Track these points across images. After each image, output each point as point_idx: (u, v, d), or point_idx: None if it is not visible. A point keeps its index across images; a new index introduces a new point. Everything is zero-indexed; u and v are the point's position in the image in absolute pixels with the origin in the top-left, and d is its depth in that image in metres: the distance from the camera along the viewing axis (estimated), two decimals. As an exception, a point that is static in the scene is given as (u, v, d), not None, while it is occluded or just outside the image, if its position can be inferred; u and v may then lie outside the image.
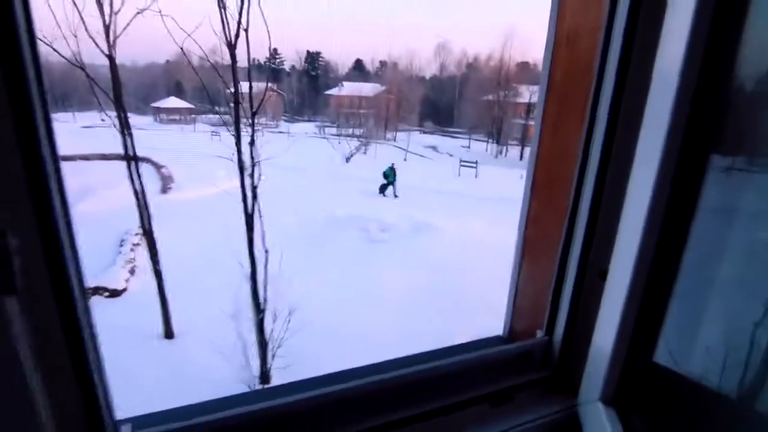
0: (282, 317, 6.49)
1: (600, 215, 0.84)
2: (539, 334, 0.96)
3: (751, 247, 0.78)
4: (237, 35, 5.87)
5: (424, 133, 49.39)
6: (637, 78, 0.79)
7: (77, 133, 31.37)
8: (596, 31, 0.83)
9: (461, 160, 25.16)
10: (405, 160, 28.47)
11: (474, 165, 24.08)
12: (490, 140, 37.40)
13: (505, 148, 36.56)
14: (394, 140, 38.75)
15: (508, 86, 37.57)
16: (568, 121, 0.91)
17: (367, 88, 44.04)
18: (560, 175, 0.91)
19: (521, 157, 33.40)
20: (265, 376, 6.29)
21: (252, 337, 6.34)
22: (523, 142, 35.37)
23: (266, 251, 6.55)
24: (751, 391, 0.76)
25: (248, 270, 6.50)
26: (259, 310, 6.24)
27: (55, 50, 5.94)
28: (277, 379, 6.41)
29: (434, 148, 37.28)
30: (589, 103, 0.85)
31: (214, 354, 6.66)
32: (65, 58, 6.19)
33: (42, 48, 6.12)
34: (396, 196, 18.61)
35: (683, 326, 0.83)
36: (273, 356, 6.32)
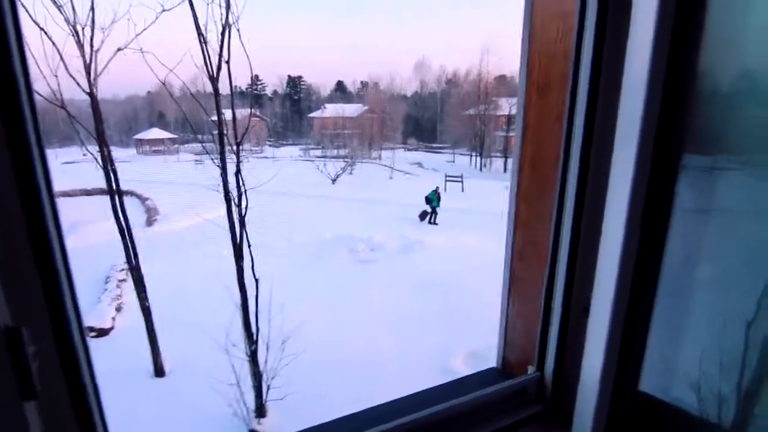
0: (275, 346, 6.38)
1: (579, 253, 0.88)
2: (530, 369, 0.98)
3: (725, 274, 0.82)
4: (219, 68, 5.92)
5: (409, 150, 49.95)
6: (606, 105, 0.83)
7: (58, 169, 31.00)
8: (568, 40, 0.87)
9: (447, 175, 25.42)
10: (391, 178, 28.66)
11: (459, 179, 24.34)
12: (474, 153, 37.98)
13: (489, 160, 37.12)
14: (380, 159, 39.07)
15: (487, 100, 38.38)
16: (545, 160, 0.95)
17: (350, 109, 44.54)
18: (541, 213, 0.95)
19: (505, 169, 33.93)
20: (260, 409, 6.15)
21: (246, 369, 6.21)
22: (505, 154, 36.01)
23: (256, 280, 6.47)
24: (736, 415, 0.79)
25: (239, 300, 6.41)
26: (251, 340, 6.13)
27: (35, 91, 5.89)
28: (273, 412, 6.26)
29: (419, 164, 37.67)
30: (563, 143, 0.89)
31: (207, 390, 6.49)
32: (45, 99, 6.16)
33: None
34: (435, 223, 16.77)
35: (665, 355, 0.85)
36: (268, 388, 6.18)
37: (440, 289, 10.10)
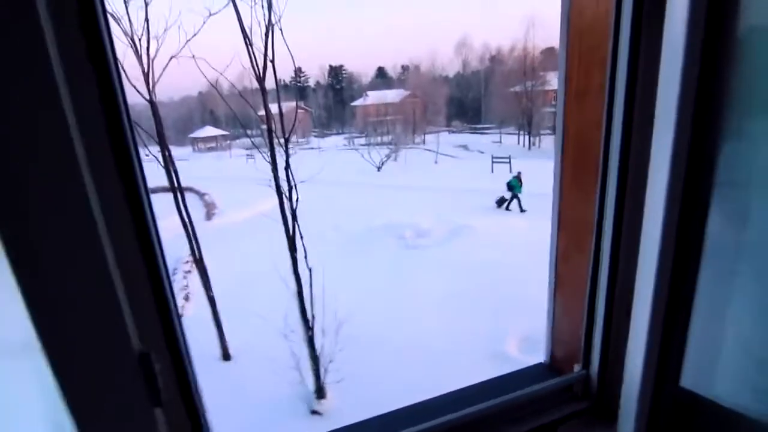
0: (331, 332, 6.69)
1: (621, 254, 0.91)
2: (577, 368, 1.02)
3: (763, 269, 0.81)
4: (264, 67, 6.16)
5: (453, 132, 49.05)
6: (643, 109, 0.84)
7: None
8: (605, 45, 0.89)
9: (493, 157, 24.78)
10: (435, 162, 28.38)
11: (507, 161, 23.66)
12: (522, 132, 36.60)
13: (537, 139, 35.65)
14: (423, 143, 38.74)
15: (534, 75, 36.69)
16: (586, 164, 0.97)
17: (392, 95, 44.35)
18: (583, 215, 0.97)
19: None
20: (320, 390, 6.49)
21: (304, 354, 6.56)
22: (555, 130, 34.41)
23: (309, 269, 6.77)
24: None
25: (294, 288, 6.75)
26: (308, 327, 6.46)
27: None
28: (332, 393, 6.59)
29: (465, 147, 36.92)
30: (602, 147, 0.91)
31: (269, 373, 6.94)
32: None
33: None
34: (523, 210, 15.99)
35: (706, 351, 0.87)
36: (326, 371, 6.50)
37: (490, 274, 10.01)
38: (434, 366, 6.96)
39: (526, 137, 35.95)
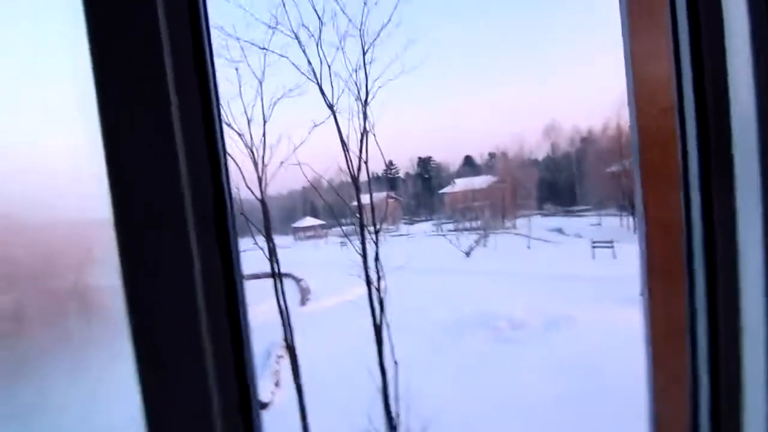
0: (416, 434, 6.23)
1: (720, 331, 0.77)
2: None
3: None
4: (359, 168, 6.79)
5: (546, 216, 47.19)
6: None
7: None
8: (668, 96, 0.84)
9: (593, 241, 23.01)
10: (528, 247, 27.13)
11: (610, 245, 21.78)
12: (623, 214, 33.85)
13: (643, 220, 32.62)
14: (514, 227, 37.65)
15: (631, 153, 34.76)
16: (673, 226, 0.87)
17: (479, 181, 44.91)
18: (678, 288, 0.86)
19: (667, 229, 29.35)
20: (403, 503, 5.91)
21: (388, 457, 6.15)
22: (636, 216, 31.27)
23: (395, 363, 6.60)
24: None
25: (379, 382, 6.56)
26: (392, 427, 6.11)
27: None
28: None
29: (559, 230, 34.98)
30: (682, 203, 0.83)
31: (352, 476, 6.56)
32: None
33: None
34: None
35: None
36: (410, 480, 5.96)
37: (597, 374, 8.74)
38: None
39: (629, 219, 33.03)
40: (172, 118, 0.61)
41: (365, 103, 6.31)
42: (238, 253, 0.70)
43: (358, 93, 6.35)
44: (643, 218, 0.99)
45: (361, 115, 6.29)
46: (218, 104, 0.69)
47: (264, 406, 9.42)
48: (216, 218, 0.66)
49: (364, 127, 6.33)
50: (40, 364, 0.71)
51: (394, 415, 6.23)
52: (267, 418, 8.77)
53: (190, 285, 0.61)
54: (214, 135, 0.67)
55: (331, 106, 6.37)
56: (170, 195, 0.61)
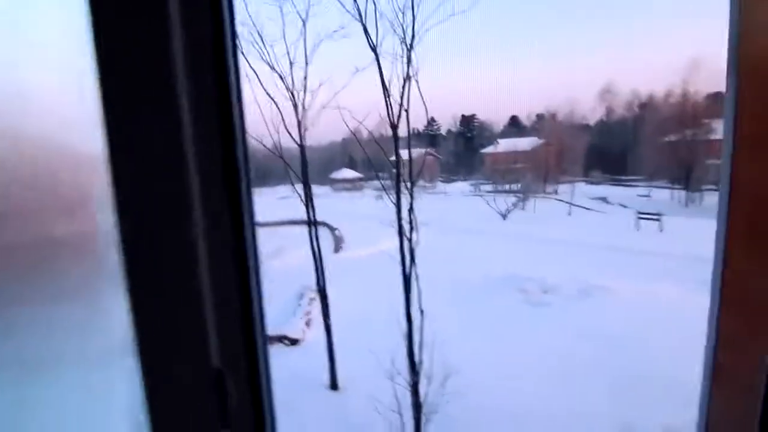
0: (437, 381, 6.45)
1: None
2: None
3: None
4: (399, 116, 6.63)
5: (591, 183, 45.08)
6: None
7: (275, 203, 38.56)
8: None
9: (639, 212, 21.91)
10: (569, 214, 26.25)
11: (657, 217, 20.69)
12: (677, 186, 31.77)
13: (698, 195, 30.48)
14: (556, 193, 36.35)
15: (696, 123, 32.01)
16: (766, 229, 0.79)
17: (524, 143, 43.07)
18: (761, 294, 0.78)
19: (724, 205, 27.40)
20: (419, 440, 6.24)
21: (408, 399, 6.42)
22: (720, 184, 29.06)
23: (422, 312, 6.74)
24: None
25: (405, 330, 6.76)
26: (414, 372, 6.35)
27: (263, 145, 7.67)
28: (431, 447, 6.27)
29: (604, 199, 33.46)
30: None
31: (372, 410, 6.94)
32: (269, 150, 7.91)
33: (253, 142, 7.92)
34: None
35: None
36: (427, 421, 6.24)
37: (624, 346, 8.62)
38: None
39: (683, 192, 31.02)
40: (173, 63, 0.57)
41: (410, 47, 6.04)
42: (251, 203, 0.68)
43: (404, 36, 6.07)
44: (727, 190, 0.87)
45: (405, 60, 6.04)
46: (234, 43, 0.64)
47: (294, 342, 10.02)
48: (225, 167, 0.63)
49: (408, 73, 6.10)
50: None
51: (417, 361, 6.45)
52: (296, 353, 9.34)
53: (187, 233, 0.59)
54: (227, 78, 0.62)
55: (374, 48, 6.14)
56: (169, 142, 0.58)
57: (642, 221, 20.73)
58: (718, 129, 30.07)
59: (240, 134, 0.65)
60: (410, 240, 6.84)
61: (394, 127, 6.55)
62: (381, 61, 6.37)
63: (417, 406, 6.20)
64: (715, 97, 33.91)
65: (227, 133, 0.63)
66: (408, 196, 7.07)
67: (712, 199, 29.51)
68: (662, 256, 15.27)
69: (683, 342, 8.59)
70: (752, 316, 0.81)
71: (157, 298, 0.60)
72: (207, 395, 0.62)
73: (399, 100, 6.65)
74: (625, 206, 29.61)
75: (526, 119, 70.94)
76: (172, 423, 0.62)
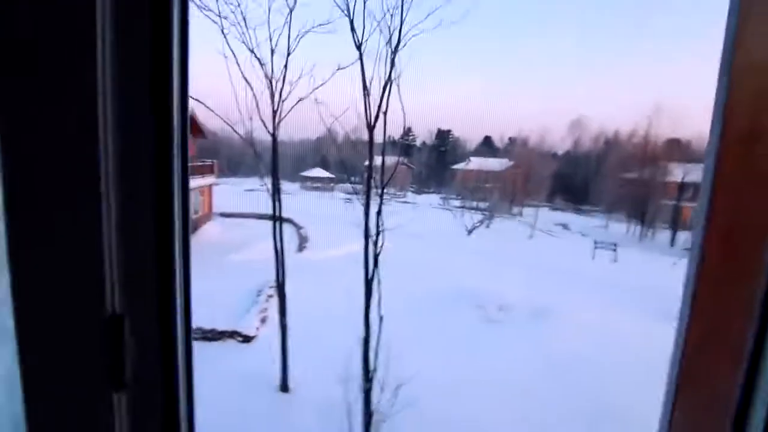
0: (389, 389, 6.36)
1: None
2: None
3: None
4: (376, 117, 6.57)
5: (555, 209, 46.71)
6: None
7: (241, 194, 37.55)
8: None
9: (596, 241, 22.87)
10: (530, 237, 27.04)
11: (613, 247, 21.64)
12: (632, 221, 33.49)
13: (650, 231, 32.24)
14: (521, 215, 37.40)
15: (654, 163, 33.97)
16: (746, 232, 0.76)
17: (494, 163, 44.18)
18: (733, 299, 0.75)
19: (672, 243, 29.04)
20: (366, 449, 6.12)
21: (358, 405, 6.30)
22: (674, 226, 30.91)
23: (380, 317, 6.66)
24: None
25: (362, 334, 6.65)
26: (367, 378, 6.24)
27: (234, 131, 7.40)
28: (377, 456, 6.16)
29: (564, 225, 34.76)
30: None
31: (321, 417, 6.77)
32: (241, 137, 7.66)
33: (227, 128, 7.62)
34: None
35: None
36: (377, 429, 6.14)
37: (574, 371, 8.86)
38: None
39: (637, 227, 32.68)
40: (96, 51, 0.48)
41: (395, 50, 6.00)
42: (186, 220, 0.59)
43: (390, 38, 6.03)
44: (704, 223, 0.85)
45: (389, 62, 6.00)
46: (185, 26, 0.57)
47: (248, 339, 9.67)
48: (156, 169, 0.54)
49: (390, 76, 6.06)
50: None
51: (371, 367, 6.34)
52: (250, 351, 9.01)
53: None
54: (168, 71, 0.54)
55: (359, 45, 6.06)
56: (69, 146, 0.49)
57: (598, 250, 21.61)
58: (675, 172, 32.04)
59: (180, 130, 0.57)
60: (375, 245, 6.76)
61: (371, 128, 6.49)
62: (364, 61, 6.32)
63: (368, 414, 6.09)
64: (673, 143, 36.20)
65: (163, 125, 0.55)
66: (377, 202, 7.01)
67: (663, 237, 31.27)
68: (616, 286, 15.94)
69: (631, 367, 8.94)
70: (723, 321, 0.79)
71: (34, 215, 0.49)
72: (94, 347, 0.47)
73: (378, 102, 6.60)
74: (584, 234, 30.82)
75: (498, 141, 72.75)
76: (49, 383, 0.47)
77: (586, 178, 52.93)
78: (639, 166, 34.71)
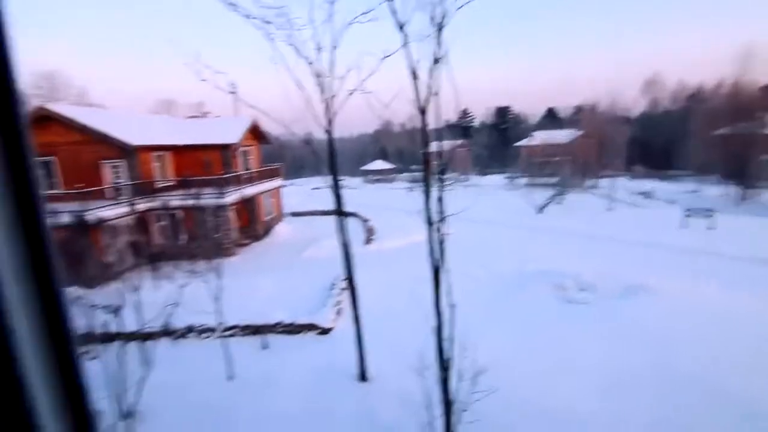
0: (467, 377, 6.22)
1: None
2: None
3: None
4: (427, 100, 6.35)
5: (634, 178, 43.03)
6: None
7: (308, 194, 39.10)
8: None
9: (687, 208, 20.62)
10: (609, 210, 25.10)
11: (708, 213, 19.40)
12: (728, 182, 29.66)
13: (752, 191, 28.32)
14: (595, 188, 34.88)
15: (750, 115, 29.74)
16: None
17: (561, 135, 41.55)
18: None
19: (781, 203, 25.40)
20: (449, 438, 6.04)
21: (437, 394, 6.24)
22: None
23: (452, 306, 6.51)
24: None
25: (434, 323, 6.55)
26: (443, 368, 6.14)
27: (294, 134, 7.60)
28: (461, 446, 6.06)
29: (647, 194, 31.81)
30: None
31: (400, 406, 6.82)
32: (300, 138, 7.85)
33: (285, 130, 7.81)
34: None
35: None
36: (458, 421, 6.04)
37: (668, 352, 8.05)
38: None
39: (734, 188, 28.84)
40: None
41: (440, 27, 5.71)
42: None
43: (433, 14, 5.75)
44: None
45: (435, 42, 5.73)
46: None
47: (325, 331, 10.03)
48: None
49: (436, 56, 5.80)
50: None
51: (446, 357, 6.23)
52: (328, 342, 9.30)
53: None
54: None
55: (401, 26, 5.85)
56: None
57: (690, 218, 19.49)
58: (775, 122, 27.89)
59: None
60: (440, 233, 6.60)
61: (423, 112, 6.29)
62: (410, 43, 6.10)
63: (447, 404, 6.00)
64: (772, 88, 31.37)
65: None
66: (439, 190, 6.82)
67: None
68: (715, 256, 14.27)
69: (731, 347, 7.97)
70: None
71: None
72: None
73: (428, 84, 6.37)
74: (672, 201, 28.00)
75: (563, 111, 68.40)
76: None
77: (669, 141, 48.01)
78: (732, 120, 30.62)
